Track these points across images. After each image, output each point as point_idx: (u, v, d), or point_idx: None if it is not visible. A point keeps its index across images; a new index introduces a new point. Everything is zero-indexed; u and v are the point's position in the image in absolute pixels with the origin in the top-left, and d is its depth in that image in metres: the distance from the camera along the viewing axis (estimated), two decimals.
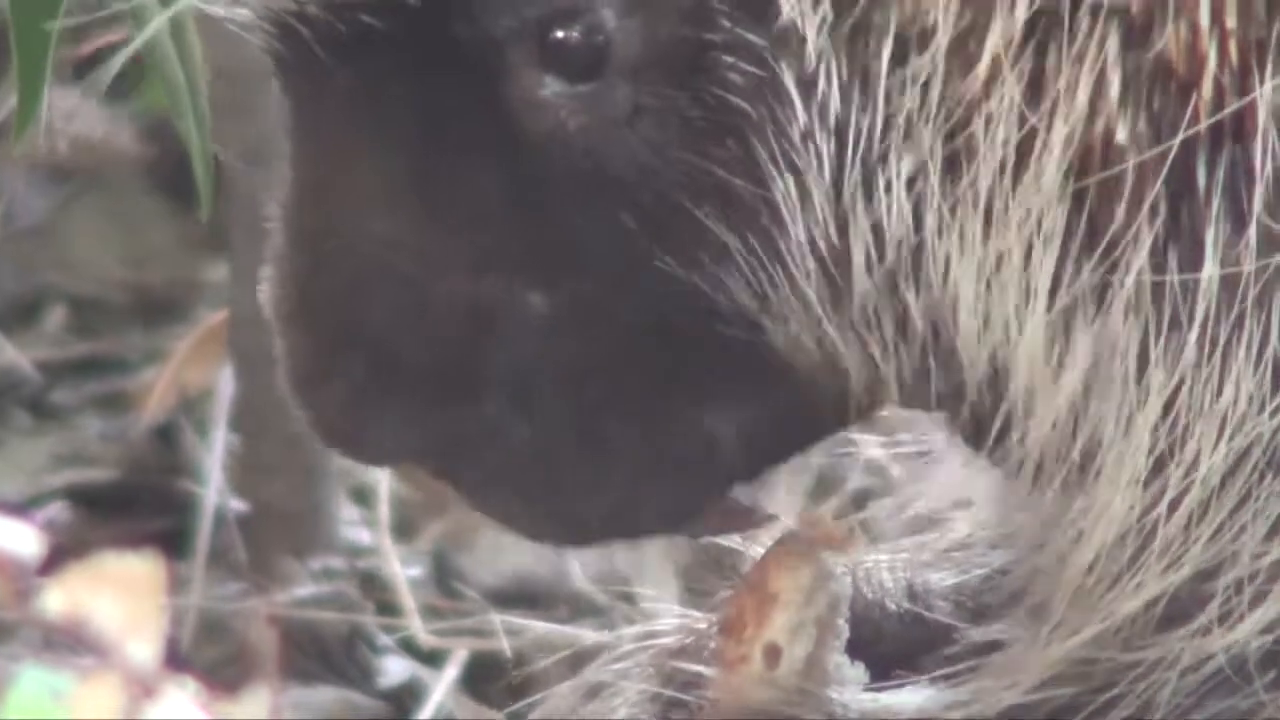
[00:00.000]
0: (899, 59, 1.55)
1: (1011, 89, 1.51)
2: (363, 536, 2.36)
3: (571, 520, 1.82)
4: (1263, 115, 1.44)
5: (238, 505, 2.18)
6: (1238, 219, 1.50)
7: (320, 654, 2.33)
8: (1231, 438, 1.54)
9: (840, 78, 1.53)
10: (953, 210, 1.61)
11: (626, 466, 1.79)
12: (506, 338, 1.68)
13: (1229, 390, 1.49)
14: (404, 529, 2.47)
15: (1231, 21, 1.47)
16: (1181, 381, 1.53)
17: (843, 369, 1.74)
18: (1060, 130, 1.50)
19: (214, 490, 2.19)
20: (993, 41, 1.45)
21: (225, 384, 2.12)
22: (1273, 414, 1.51)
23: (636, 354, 1.75)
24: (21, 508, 1.92)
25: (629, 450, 1.78)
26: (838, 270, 1.62)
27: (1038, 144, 1.52)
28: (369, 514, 2.40)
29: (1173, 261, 1.52)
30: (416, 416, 1.67)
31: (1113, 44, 1.51)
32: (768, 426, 1.78)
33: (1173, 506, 1.53)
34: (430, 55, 1.57)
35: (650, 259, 1.65)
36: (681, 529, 1.88)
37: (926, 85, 1.51)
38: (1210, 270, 1.49)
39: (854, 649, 1.77)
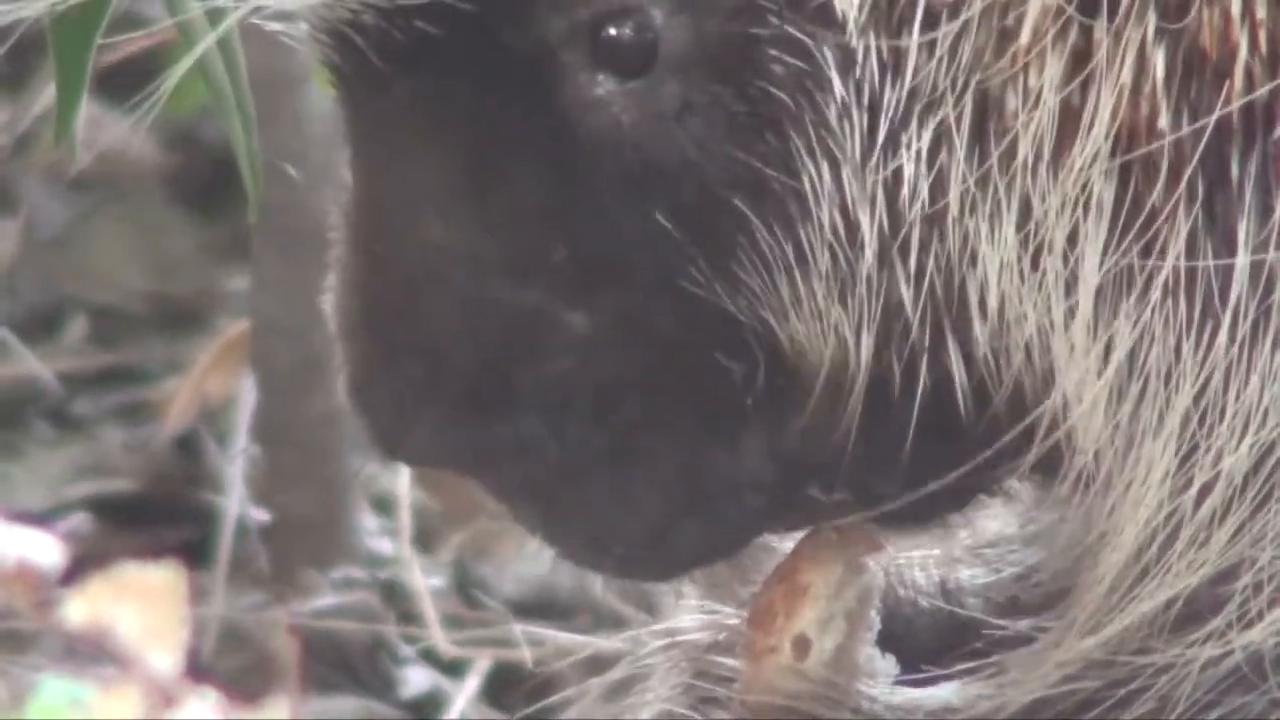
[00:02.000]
0: (929, 26, 1.56)
1: (1054, 63, 1.51)
2: (384, 546, 2.36)
3: (607, 546, 1.84)
4: None
5: (259, 515, 2.17)
6: (1269, 211, 1.50)
7: (341, 664, 2.34)
8: (1256, 433, 1.53)
9: (877, 51, 1.55)
10: (981, 184, 1.62)
11: (661, 494, 1.81)
12: (550, 350, 1.69)
13: (1254, 385, 1.49)
14: (425, 539, 2.47)
15: (1262, 12, 1.47)
16: (1211, 375, 1.52)
17: (857, 367, 1.74)
18: (1106, 108, 1.50)
19: (235, 500, 2.18)
20: (1033, 15, 1.45)
21: (246, 394, 2.12)
22: None
23: (672, 374, 1.77)
24: (43, 518, 1.92)
25: (664, 477, 1.80)
26: (852, 251, 1.63)
27: (1082, 120, 1.51)
28: (390, 524, 2.40)
29: (1207, 251, 1.52)
30: (463, 425, 1.69)
31: (1151, 24, 1.51)
32: (800, 451, 1.79)
33: (1196, 505, 1.52)
34: (486, 61, 1.59)
35: (688, 269, 1.68)
36: (718, 560, 1.90)
37: (954, 55, 1.51)
38: (1242, 261, 1.49)
39: (885, 644, 1.77)
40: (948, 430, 1.99)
